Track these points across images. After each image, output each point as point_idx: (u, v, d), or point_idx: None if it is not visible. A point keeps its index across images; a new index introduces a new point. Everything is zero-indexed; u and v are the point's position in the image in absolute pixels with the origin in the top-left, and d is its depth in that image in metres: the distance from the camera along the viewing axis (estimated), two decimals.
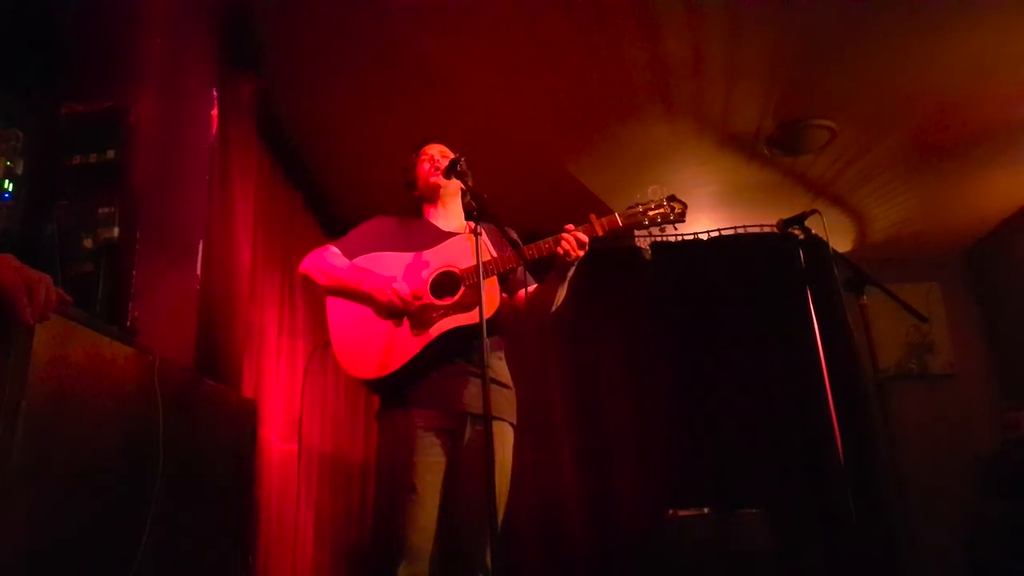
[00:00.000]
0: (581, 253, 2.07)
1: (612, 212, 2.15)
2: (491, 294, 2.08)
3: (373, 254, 2.26)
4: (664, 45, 3.16)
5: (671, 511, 3.55)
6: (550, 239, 2.09)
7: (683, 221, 2.17)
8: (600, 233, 2.11)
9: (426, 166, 2.40)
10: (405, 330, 2.11)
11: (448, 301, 2.12)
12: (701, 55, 3.23)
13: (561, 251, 2.05)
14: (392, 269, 2.20)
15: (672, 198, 2.16)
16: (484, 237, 2.02)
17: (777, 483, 4.05)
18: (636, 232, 4.82)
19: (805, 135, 3.84)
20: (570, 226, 2.09)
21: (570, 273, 2.15)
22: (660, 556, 3.47)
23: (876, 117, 3.75)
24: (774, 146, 3.96)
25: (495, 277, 2.11)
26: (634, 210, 2.16)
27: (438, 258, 2.20)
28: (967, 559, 4.49)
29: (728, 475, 4.12)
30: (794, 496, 4.04)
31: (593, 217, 2.12)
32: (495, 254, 2.14)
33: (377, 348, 2.11)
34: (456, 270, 2.15)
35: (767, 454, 4.15)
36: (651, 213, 2.14)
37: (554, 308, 2.22)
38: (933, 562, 4.38)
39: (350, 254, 2.27)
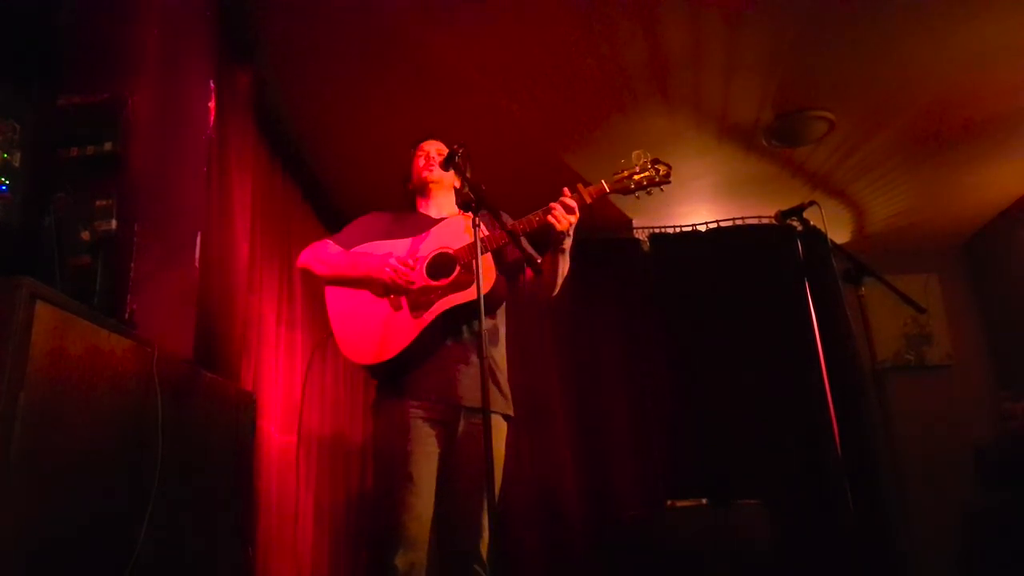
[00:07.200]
0: (573, 220, 2.07)
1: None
2: (486, 270, 2.09)
3: (369, 243, 2.28)
4: (663, 37, 3.15)
5: (669, 502, 3.56)
6: (539, 211, 2.10)
7: (668, 183, 2.17)
8: (588, 200, 2.11)
9: (420, 161, 2.43)
10: (404, 313, 2.12)
11: (444, 282, 2.13)
12: (700, 47, 3.22)
13: (550, 219, 2.06)
14: (388, 252, 2.21)
15: (656, 160, 2.17)
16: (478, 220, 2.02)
17: (775, 474, 4.07)
18: (635, 224, 4.89)
19: (804, 126, 3.83)
20: (566, 189, 2.10)
21: (565, 245, 2.14)
22: (658, 546, 3.48)
23: (875, 108, 3.74)
24: (772, 137, 3.95)
25: (489, 255, 2.12)
26: (620, 176, 2.17)
27: (432, 241, 2.22)
28: (964, 548, 4.52)
29: (726, 466, 4.13)
30: (792, 487, 4.05)
31: (580, 186, 2.13)
32: (487, 233, 2.14)
33: (377, 333, 2.12)
34: (450, 251, 2.16)
35: (765, 445, 4.16)
36: (637, 177, 2.15)
37: (558, 284, 2.21)
38: (930, 551, 4.40)
39: (346, 246, 2.30)
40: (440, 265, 2.16)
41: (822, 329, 4.39)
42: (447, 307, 2.10)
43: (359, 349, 2.14)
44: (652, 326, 4.60)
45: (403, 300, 2.14)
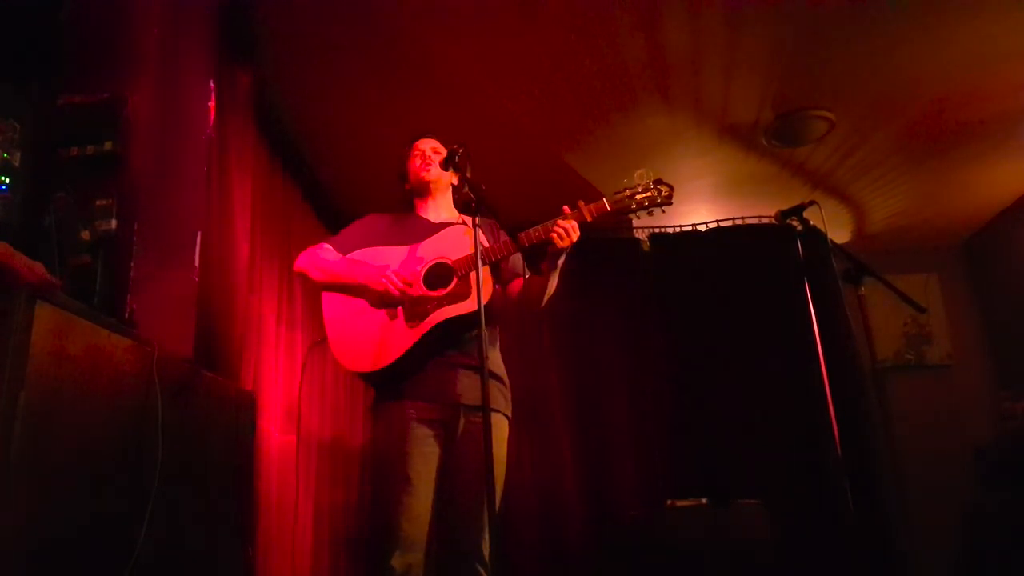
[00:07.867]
0: (574, 238, 2.08)
1: (600, 197, 2.15)
2: (484, 283, 2.09)
3: (367, 249, 2.27)
4: (663, 37, 3.15)
5: (669, 501, 3.56)
6: (540, 227, 2.10)
7: (670, 204, 2.17)
8: (588, 219, 2.11)
9: (417, 161, 2.40)
10: (400, 323, 2.12)
11: (441, 292, 2.12)
12: (700, 47, 3.22)
13: (552, 236, 2.07)
14: (386, 262, 2.21)
15: (659, 181, 2.17)
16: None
17: (775, 474, 4.06)
18: (635, 224, 4.88)
19: (804, 126, 3.83)
20: (566, 208, 2.10)
21: (560, 262, 2.15)
22: (658, 546, 3.48)
23: (874, 108, 3.74)
24: (772, 137, 3.95)
25: (487, 266, 2.11)
26: (621, 195, 2.17)
27: (430, 250, 2.21)
28: (964, 548, 4.51)
29: (726, 465, 4.13)
30: (792, 487, 4.05)
31: (581, 203, 2.13)
32: (487, 244, 2.14)
33: (372, 342, 2.11)
34: (448, 261, 2.16)
35: (765, 444, 4.16)
36: (638, 197, 2.15)
37: (546, 299, 2.23)
38: (930, 551, 4.40)
39: (343, 250, 2.28)
40: (437, 275, 2.16)
41: (822, 329, 4.39)
42: (443, 319, 2.09)
43: (354, 357, 2.14)
44: (652, 326, 4.59)
45: (399, 309, 2.14)
